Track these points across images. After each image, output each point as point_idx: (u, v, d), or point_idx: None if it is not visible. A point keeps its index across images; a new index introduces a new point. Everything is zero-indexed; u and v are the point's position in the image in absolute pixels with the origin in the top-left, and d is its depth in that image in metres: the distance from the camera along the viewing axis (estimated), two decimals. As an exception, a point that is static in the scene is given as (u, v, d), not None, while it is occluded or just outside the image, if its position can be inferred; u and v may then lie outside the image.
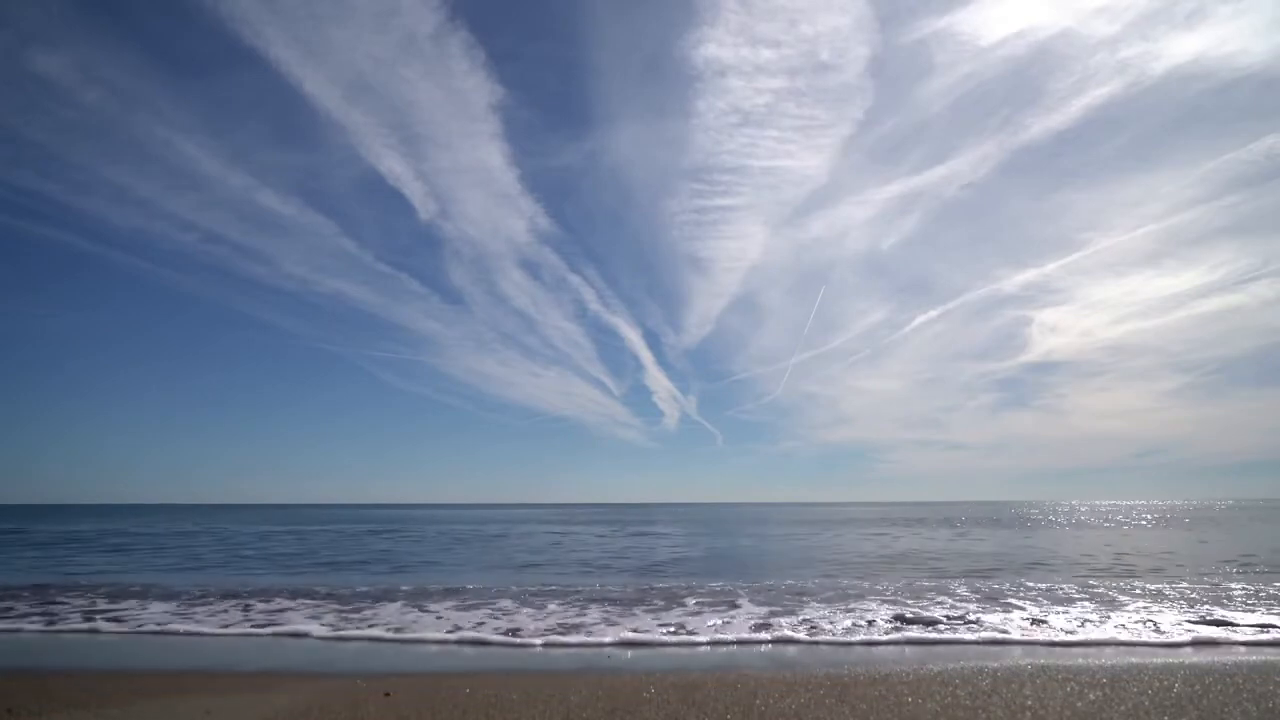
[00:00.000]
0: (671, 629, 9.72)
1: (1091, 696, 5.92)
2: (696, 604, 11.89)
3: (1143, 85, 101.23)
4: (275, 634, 9.75)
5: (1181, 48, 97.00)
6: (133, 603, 12.47)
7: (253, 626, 10.19)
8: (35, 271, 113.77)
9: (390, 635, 9.51)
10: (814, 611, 10.93)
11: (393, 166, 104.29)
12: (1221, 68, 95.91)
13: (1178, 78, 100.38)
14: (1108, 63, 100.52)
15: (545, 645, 8.86)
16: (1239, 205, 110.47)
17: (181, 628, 10.12)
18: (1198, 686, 6.29)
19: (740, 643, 8.93)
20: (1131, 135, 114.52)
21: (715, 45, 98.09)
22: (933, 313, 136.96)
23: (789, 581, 14.85)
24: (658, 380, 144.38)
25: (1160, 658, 7.70)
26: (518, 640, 9.09)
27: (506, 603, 12.12)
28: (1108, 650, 8.18)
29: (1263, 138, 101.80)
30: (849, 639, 9.00)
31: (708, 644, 8.88)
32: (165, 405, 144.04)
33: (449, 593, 13.48)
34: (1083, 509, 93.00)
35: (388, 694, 6.30)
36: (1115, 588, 13.65)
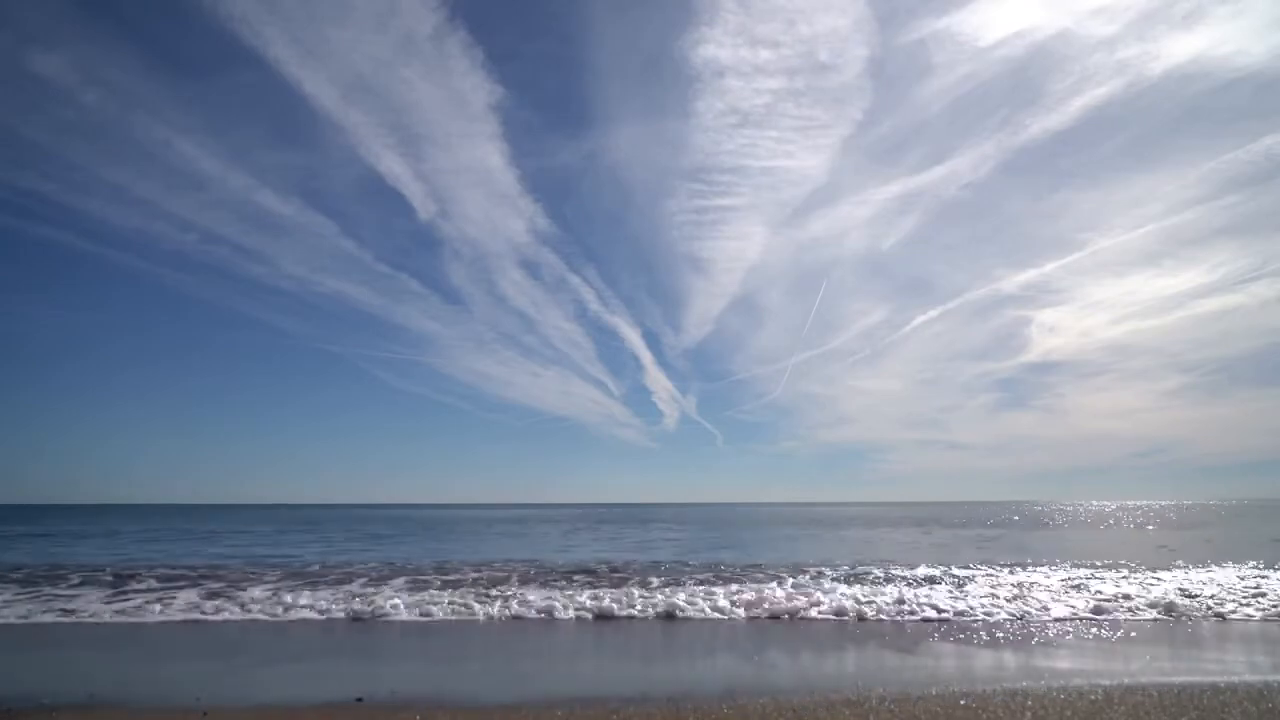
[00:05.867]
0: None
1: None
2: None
3: (1141, 85, 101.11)
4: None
5: (1180, 48, 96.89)
6: None
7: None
8: (34, 271, 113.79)
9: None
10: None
11: (392, 167, 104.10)
12: (1220, 68, 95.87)
13: (1176, 78, 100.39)
14: (1106, 63, 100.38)
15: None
16: (1239, 205, 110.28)
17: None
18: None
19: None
20: (1131, 135, 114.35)
21: (714, 46, 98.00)
22: (933, 313, 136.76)
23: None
24: (657, 380, 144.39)
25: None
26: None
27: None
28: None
29: (1262, 138, 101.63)
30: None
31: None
32: (165, 405, 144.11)
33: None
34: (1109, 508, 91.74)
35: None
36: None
